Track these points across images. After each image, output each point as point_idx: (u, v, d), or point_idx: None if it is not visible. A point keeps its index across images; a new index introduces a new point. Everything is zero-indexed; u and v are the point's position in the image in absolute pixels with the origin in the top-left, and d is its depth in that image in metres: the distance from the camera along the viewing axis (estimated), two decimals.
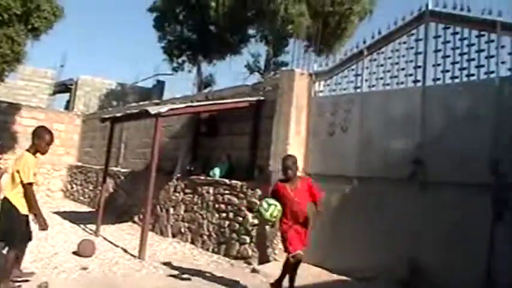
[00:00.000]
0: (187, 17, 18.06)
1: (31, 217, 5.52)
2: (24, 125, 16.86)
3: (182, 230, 9.85)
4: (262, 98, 9.01)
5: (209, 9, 15.90)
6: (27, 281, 5.68)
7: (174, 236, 10.01)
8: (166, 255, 8.46)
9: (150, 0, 18.97)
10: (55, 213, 11.52)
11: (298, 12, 14.18)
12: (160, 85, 22.96)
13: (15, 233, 5.32)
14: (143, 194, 9.04)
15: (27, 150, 5.52)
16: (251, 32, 18.05)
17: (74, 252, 7.80)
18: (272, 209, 5.48)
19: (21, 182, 5.29)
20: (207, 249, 8.97)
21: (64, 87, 23.58)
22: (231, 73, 43.37)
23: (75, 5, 47.58)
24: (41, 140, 5.49)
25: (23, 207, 5.33)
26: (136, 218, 11.60)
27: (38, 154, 5.56)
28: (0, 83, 13.04)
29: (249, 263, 7.90)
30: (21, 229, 5.38)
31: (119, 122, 11.75)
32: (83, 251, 7.78)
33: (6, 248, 5.38)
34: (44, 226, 5.41)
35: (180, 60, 19.39)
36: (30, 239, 5.69)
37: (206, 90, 15.81)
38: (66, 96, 24.28)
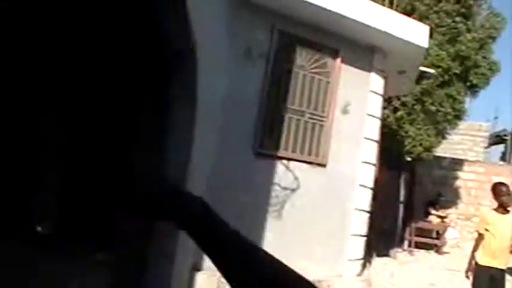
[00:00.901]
0: None
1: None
2: (463, 179, 16.99)
3: None
4: None
5: None
6: None
7: None
8: None
9: None
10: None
11: None
12: None
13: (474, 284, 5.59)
14: None
15: (494, 209, 5.70)
16: None
17: None
18: None
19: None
20: None
21: (499, 139, 23.25)
22: None
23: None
24: (496, 194, 5.62)
25: (481, 258, 5.58)
26: None
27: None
28: (442, 140, 13.63)
29: None
30: (480, 280, 5.53)
31: None
32: None
33: None
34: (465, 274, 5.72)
35: None
36: None
37: None
38: (500, 147, 23.88)
